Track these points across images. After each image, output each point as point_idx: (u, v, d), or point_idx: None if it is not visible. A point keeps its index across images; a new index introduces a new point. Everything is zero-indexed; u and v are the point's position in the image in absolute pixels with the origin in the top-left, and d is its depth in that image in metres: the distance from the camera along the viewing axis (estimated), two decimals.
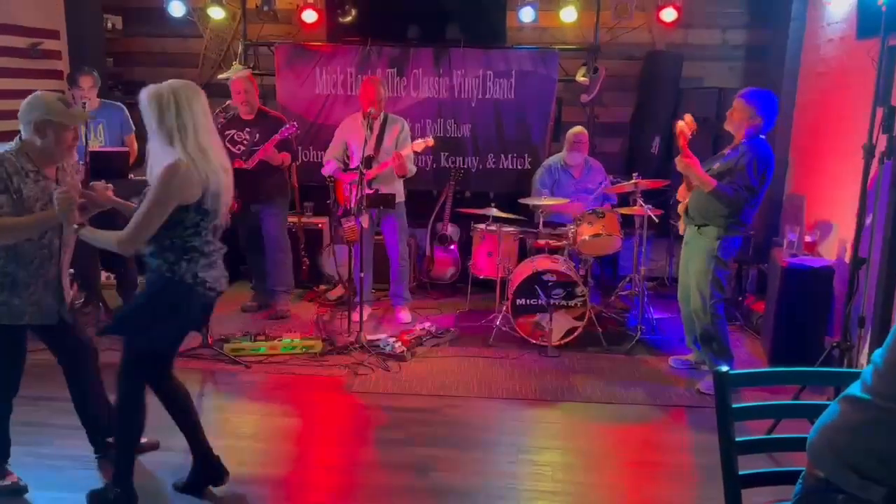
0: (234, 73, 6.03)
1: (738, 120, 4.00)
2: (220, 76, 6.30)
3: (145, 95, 2.71)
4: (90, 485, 3.06)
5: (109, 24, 6.55)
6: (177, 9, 6.07)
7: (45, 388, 3.47)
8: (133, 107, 5.57)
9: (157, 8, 6.17)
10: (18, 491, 3.08)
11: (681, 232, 4.38)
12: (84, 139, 4.92)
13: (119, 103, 5.35)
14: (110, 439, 3.20)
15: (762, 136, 4.02)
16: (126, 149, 5.02)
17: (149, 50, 6.79)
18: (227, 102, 4.99)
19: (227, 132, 5.10)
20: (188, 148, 2.68)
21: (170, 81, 2.74)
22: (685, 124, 4.00)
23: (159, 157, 2.70)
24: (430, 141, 5.02)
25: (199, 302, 2.89)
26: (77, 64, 5.78)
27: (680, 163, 4.02)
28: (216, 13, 6.20)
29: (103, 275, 5.38)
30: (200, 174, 2.69)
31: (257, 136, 5.06)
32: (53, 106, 2.89)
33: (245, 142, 5.10)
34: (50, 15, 6.02)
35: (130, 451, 3.03)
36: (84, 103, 4.82)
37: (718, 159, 4.13)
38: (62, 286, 3.07)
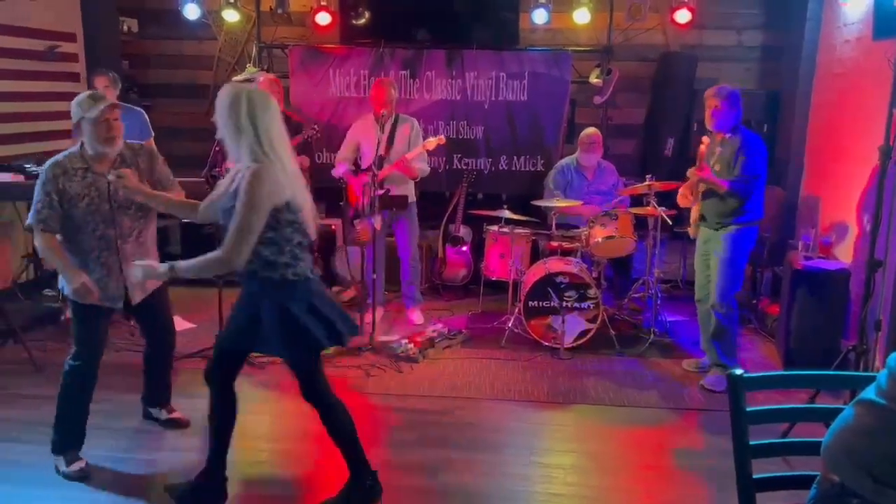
0: (250, 74, 6.08)
1: (724, 115, 4.16)
2: (235, 78, 6.34)
3: (224, 95, 2.71)
4: (116, 484, 3.10)
5: (125, 27, 6.61)
6: (192, 11, 6.12)
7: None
8: (148, 110, 5.65)
9: (173, 10, 6.22)
10: (84, 477, 3.21)
11: (692, 235, 4.43)
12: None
13: (139, 108, 5.39)
14: (150, 409, 3.72)
15: (742, 127, 4.24)
16: None
17: (164, 52, 6.84)
18: None
19: None
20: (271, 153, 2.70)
21: (245, 86, 2.78)
22: (705, 147, 4.21)
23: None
24: (442, 139, 5.02)
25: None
26: (93, 66, 5.84)
27: (694, 175, 4.22)
28: (231, 16, 6.24)
29: None
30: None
31: None
32: (82, 104, 3.10)
33: None
34: (66, 18, 6.09)
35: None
36: None
37: (716, 160, 4.23)
38: (128, 274, 3.19)
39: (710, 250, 4.33)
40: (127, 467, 3.32)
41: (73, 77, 6.13)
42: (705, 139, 4.26)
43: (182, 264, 2.74)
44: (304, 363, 2.91)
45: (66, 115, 5.40)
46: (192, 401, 4.00)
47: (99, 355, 3.30)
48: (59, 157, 3.15)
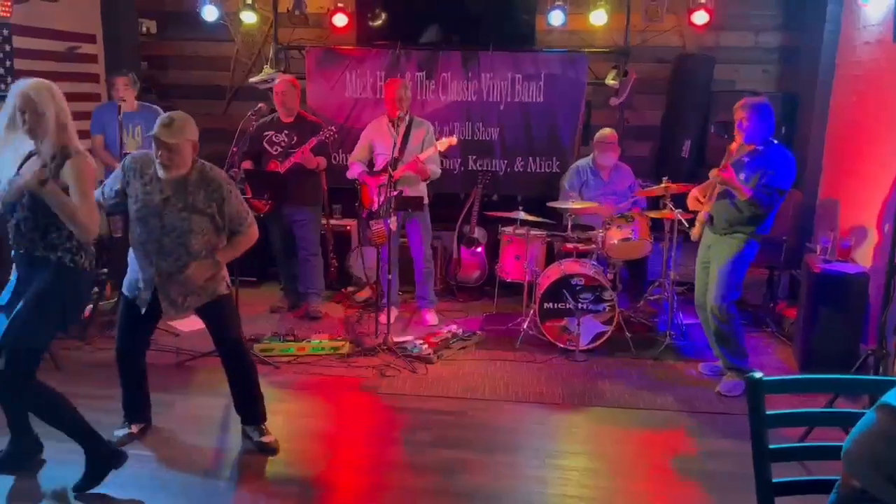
0: (267, 76, 6.12)
1: (753, 128, 4.07)
2: (252, 79, 6.39)
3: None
4: (139, 480, 3.13)
5: (144, 28, 6.66)
6: (210, 13, 6.16)
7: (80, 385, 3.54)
8: (167, 109, 5.69)
9: (191, 12, 6.27)
10: (120, 442, 3.39)
11: (693, 237, 4.37)
12: (120, 140, 5.03)
13: (157, 107, 5.44)
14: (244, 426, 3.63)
15: (775, 141, 4.14)
16: None
17: (182, 53, 6.90)
18: (260, 105, 5.04)
19: (266, 133, 5.17)
20: None
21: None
22: (736, 145, 4.12)
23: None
24: (454, 140, 5.01)
25: None
26: (113, 67, 5.90)
27: (717, 177, 4.08)
28: (248, 17, 6.29)
29: None
30: None
31: (294, 139, 5.12)
32: (158, 122, 3.22)
33: (283, 143, 5.16)
34: (86, 19, 6.16)
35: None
36: (120, 104, 4.94)
37: (741, 168, 4.14)
38: (158, 284, 3.28)
39: (712, 257, 4.28)
40: (135, 464, 3.35)
41: (93, 78, 6.19)
42: (738, 137, 4.13)
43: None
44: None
45: (86, 115, 5.50)
46: (211, 399, 4.05)
47: (128, 343, 3.43)
48: (150, 152, 3.23)
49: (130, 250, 3.35)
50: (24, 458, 3.24)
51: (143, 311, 3.32)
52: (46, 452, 3.32)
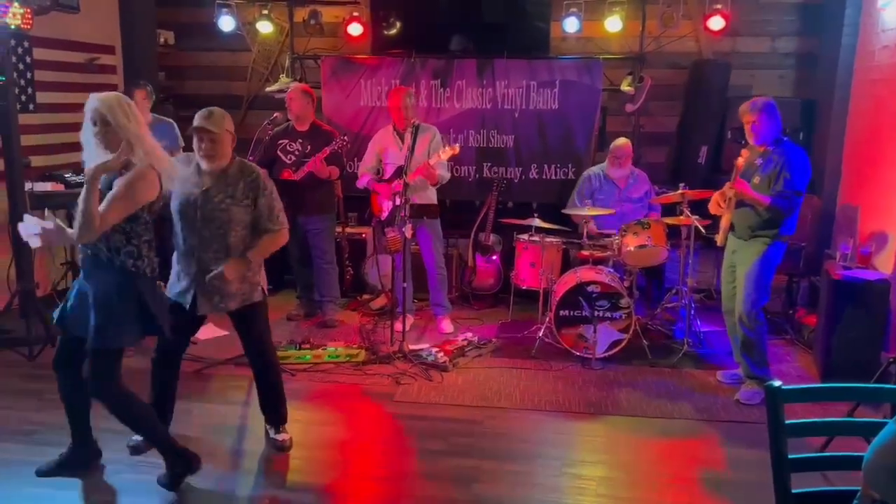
0: (283, 85, 6.17)
1: (764, 128, 4.06)
2: (268, 89, 6.45)
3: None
4: (157, 487, 3.16)
5: (162, 39, 6.75)
6: (226, 24, 6.24)
7: None
8: (184, 120, 5.76)
9: (208, 23, 6.34)
10: (138, 448, 3.44)
11: (719, 244, 4.34)
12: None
13: (170, 119, 5.50)
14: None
15: (786, 139, 4.12)
16: None
17: (199, 64, 6.97)
18: (275, 114, 5.09)
19: (280, 142, 5.20)
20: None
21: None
22: (742, 160, 4.10)
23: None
24: (456, 149, 4.99)
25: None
26: (131, 78, 5.97)
27: (730, 190, 4.09)
28: (264, 27, 6.35)
29: None
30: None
31: (308, 147, 5.14)
32: (197, 114, 3.31)
33: (297, 152, 5.19)
34: (106, 31, 6.24)
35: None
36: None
37: (755, 172, 4.11)
38: (200, 282, 3.32)
39: (737, 261, 4.25)
40: (143, 470, 3.35)
41: (112, 88, 6.26)
42: (744, 152, 4.14)
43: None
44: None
45: None
46: (228, 406, 4.07)
47: (171, 345, 3.44)
48: (185, 156, 3.35)
49: (174, 254, 3.41)
50: (82, 464, 3.31)
51: (188, 308, 3.36)
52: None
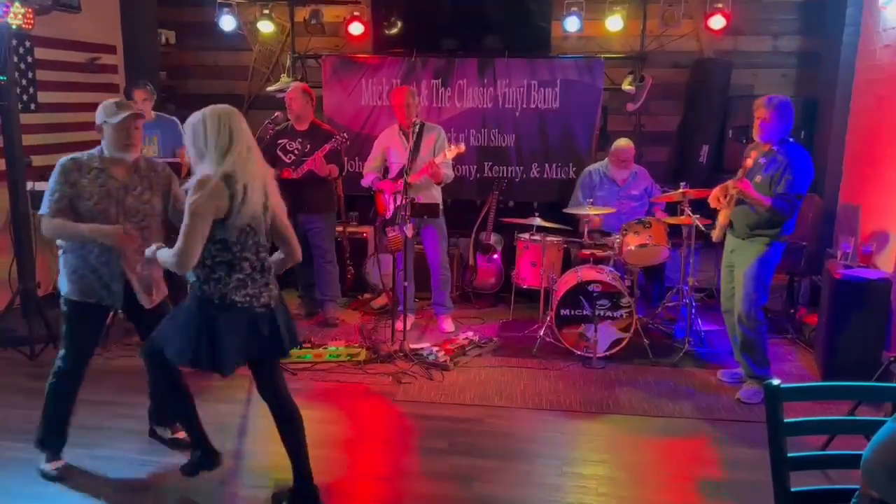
0: (284, 84, 6.18)
1: (775, 127, 4.03)
2: (269, 88, 6.46)
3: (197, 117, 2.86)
4: (142, 486, 3.14)
5: (164, 39, 6.75)
6: (228, 23, 6.24)
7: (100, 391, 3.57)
8: (185, 119, 5.76)
9: (210, 23, 6.34)
10: (61, 478, 3.27)
11: (714, 239, 4.33)
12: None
13: (173, 117, 5.50)
14: (155, 427, 3.58)
15: (791, 139, 4.10)
16: (177, 160, 5.15)
17: (201, 63, 6.98)
18: (276, 114, 5.09)
19: (280, 141, 5.21)
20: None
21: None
22: (752, 161, 4.09)
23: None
24: (462, 148, 5.01)
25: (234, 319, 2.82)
26: (132, 77, 5.98)
27: (734, 188, 4.08)
28: (265, 27, 6.36)
29: None
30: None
31: (308, 146, 5.15)
32: (106, 109, 3.17)
33: (296, 151, 5.19)
34: (107, 30, 6.25)
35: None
36: None
37: (758, 171, 4.10)
38: (129, 276, 3.23)
39: (736, 261, 4.24)
40: (147, 470, 3.37)
41: (113, 88, 6.28)
42: (753, 153, 4.12)
43: (151, 251, 2.92)
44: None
45: None
46: (229, 406, 4.07)
47: (88, 356, 3.31)
48: (78, 154, 3.21)
49: (75, 259, 3.20)
50: (203, 466, 3.23)
51: (119, 308, 3.29)
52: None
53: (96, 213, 3.14)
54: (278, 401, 3.09)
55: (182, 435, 3.54)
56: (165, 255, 2.80)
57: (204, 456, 3.16)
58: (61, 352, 3.29)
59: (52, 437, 3.33)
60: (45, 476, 3.27)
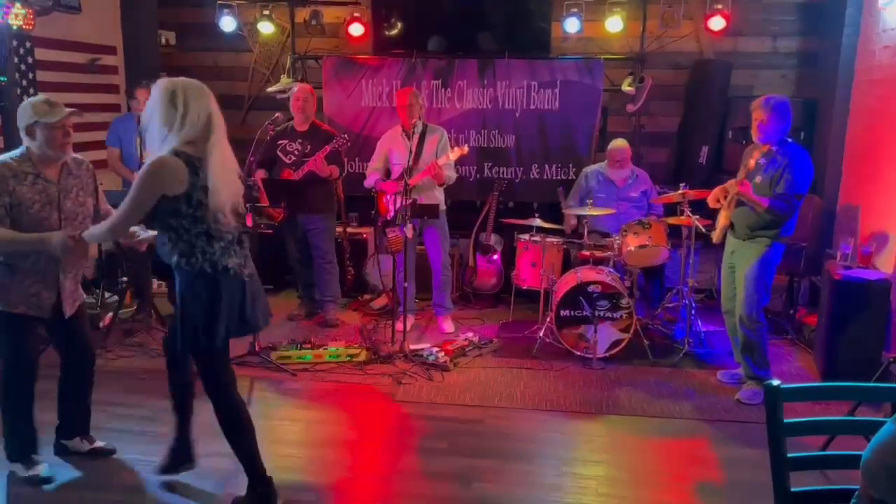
0: (284, 85, 6.18)
1: (773, 128, 4.03)
2: (269, 89, 6.46)
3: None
4: (142, 486, 3.15)
5: (164, 40, 6.76)
6: (228, 24, 6.25)
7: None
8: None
9: (210, 23, 6.35)
10: (43, 481, 3.22)
11: (715, 241, 4.33)
12: (139, 150, 5.11)
13: None
14: (67, 441, 3.44)
15: (790, 140, 4.10)
16: None
17: (201, 64, 6.97)
18: (277, 115, 5.09)
19: (280, 142, 5.21)
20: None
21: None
22: (754, 162, 4.10)
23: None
24: (465, 149, 5.02)
25: (229, 289, 2.84)
26: (133, 78, 5.99)
27: (733, 188, 4.09)
28: (266, 28, 6.36)
29: (154, 283, 5.54)
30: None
31: (308, 147, 5.15)
32: (37, 108, 3.02)
33: (296, 152, 5.19)
34: (107, 31, 6.26)
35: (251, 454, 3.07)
36: (138, 116, 4.99)
37: (758, 171, 4.11)
38: (63, 285, 3.17)
39: (736, 262, 4.25)
40: (148, 470, 3.35)
41: (114, 89, 6.28)
42: (756, 153, 4.12)
43: (86, 234, 2.96)
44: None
45: (107, 126, 5.57)
46: None
47: (31, 363, 3.21)
48: (4, 158, 3.04)
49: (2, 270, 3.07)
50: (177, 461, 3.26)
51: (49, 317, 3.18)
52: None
53: (40, 220, 3.02)
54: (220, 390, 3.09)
55: (100, 445, 3.50)
56: (99, 229, 2.85)
57: (178, 452, 3.20)
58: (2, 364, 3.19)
59: (21, 446, 3.25)
60: (30, 481, 3.22)
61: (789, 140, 4.10)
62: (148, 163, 2.70)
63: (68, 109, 3.09)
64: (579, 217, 5.37)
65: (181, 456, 3.25)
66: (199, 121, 2.76)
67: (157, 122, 2.74)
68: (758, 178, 4.08)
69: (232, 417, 3.00)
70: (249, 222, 4.45)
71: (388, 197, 5.17)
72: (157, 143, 2.74)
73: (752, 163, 4.08)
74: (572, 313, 4.77)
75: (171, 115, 2.72)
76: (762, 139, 4.07)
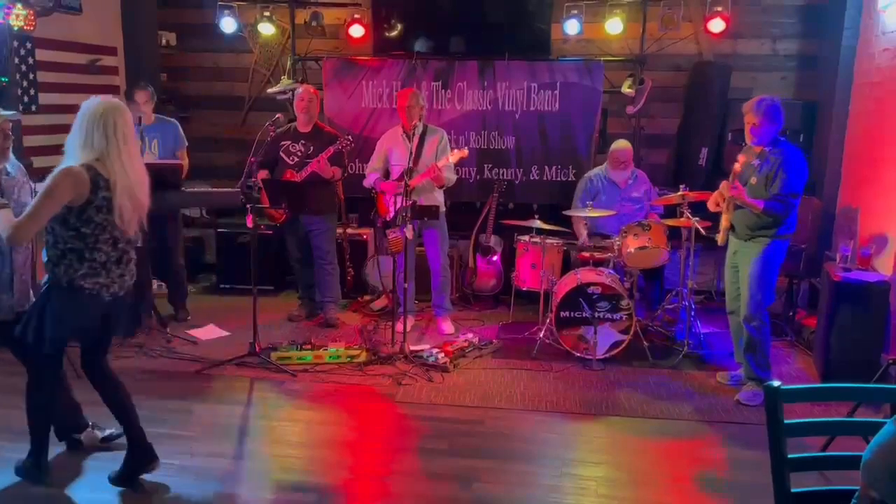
0: (285, 86, 6.19)
1: (764, 130, 4.07)
2: (270, 90, 6.47)
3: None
4: (142, 486, 3.16)
5: (164, 41, 6.76)
6: (228, 25, 6.26)
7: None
8: (186, 121, 5.77)
9: (210, 24, 6.36)
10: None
11: (720, 243, 4.34)
12: (141, 153, 5.10)
13: (172, 119, 5.50)
14: (77, 435, 3.52)
15: (783, 139, 4.14)
16: (179, 161, 5.15)
17: (202, 65, 6.99)
18: (278, 115, 5.10)
19: (283, 143, 5.22)
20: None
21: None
22: (740, 166, 4.14)
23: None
24: (465, 152, 5.03)
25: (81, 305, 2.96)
26: (133, 79, 5.98)
27: (726, 191, 4.13)
28: (266, 29, 6.37)
29: (154, 283, 5.54)
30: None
31: (311, 148, 5.16)
32: None
33: (299, 153, 5.20)
34: (108, 32, 6.26)
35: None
36: (140, 117, 5.00)
37: (752, 172, 4.13)
38: (19, 285, 3.21)
39: (739, 262, 4.27)
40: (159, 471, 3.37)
41: (114, 90, 6.28)
42: (741, 157, 4.15)
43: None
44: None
45: None
46: (229, 407, 4.08)
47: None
48: None
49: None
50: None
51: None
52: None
53: None
54: (103, 376, 3.23)
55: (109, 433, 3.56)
56: (2, 224, 2.87)
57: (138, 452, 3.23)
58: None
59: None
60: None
61: (782, 139, 4.13)
62: (58, 170, 2.79)
63: (7, 114, 3.12)
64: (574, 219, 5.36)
65: (142, 456, 3.23)
66: (109, 139, 2.87)
67: (74, 136, 2.87)
68: (753, 180, 4.11)
69: (32, 399, 3.16)
70: (250, 223, 4.48)
71: (388, 198, 5.17)
72: (70, 153, 2.87)
73: (737, 166, 4.13)
74: (572, 314, 4.77)
75: (87, 134, 2.85)
76: (755, 142, 4.13)
